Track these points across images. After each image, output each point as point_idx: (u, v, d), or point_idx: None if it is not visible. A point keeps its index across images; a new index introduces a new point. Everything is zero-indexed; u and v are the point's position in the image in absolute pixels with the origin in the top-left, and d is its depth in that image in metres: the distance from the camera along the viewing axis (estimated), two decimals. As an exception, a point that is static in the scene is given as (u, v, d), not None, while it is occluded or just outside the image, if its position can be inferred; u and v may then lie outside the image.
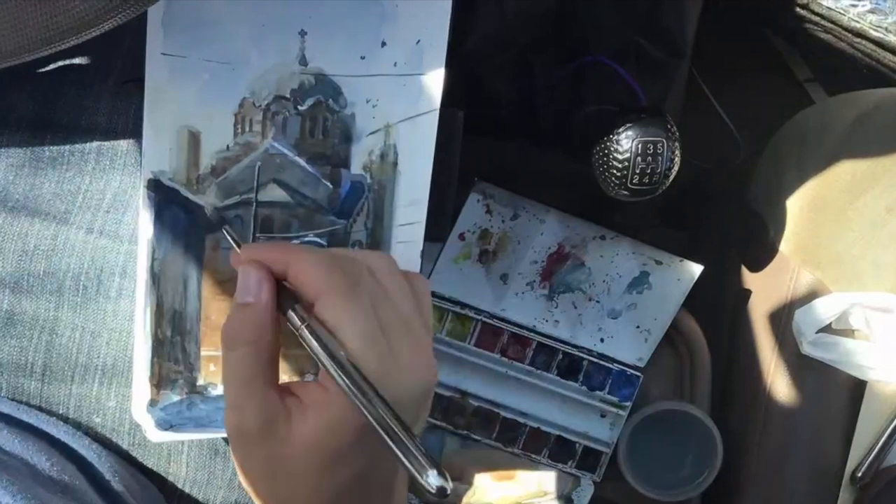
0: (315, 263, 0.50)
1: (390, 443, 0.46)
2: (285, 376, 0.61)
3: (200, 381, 0.61)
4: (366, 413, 0.46)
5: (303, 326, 0.49)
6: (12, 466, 0.56)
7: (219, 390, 0.61)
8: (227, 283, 0.60)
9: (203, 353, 0.60)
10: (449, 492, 0.45)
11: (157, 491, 0.63)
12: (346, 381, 0.47)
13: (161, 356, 0.60)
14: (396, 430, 0.46)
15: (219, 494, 0.64)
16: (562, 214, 0.87)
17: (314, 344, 0.48)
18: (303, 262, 0.50)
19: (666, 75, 0.88)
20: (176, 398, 0.61)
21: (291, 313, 0.50)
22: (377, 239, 0.61)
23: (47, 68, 0.59)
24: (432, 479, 0.45)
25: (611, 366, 0.90)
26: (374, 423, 0.46)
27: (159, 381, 0.60)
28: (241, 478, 0.51)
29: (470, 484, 0.92)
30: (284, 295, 0.51)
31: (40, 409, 0.61)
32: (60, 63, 0.59)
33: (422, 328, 0.52)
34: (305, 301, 0.50)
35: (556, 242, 0.88)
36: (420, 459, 0.45)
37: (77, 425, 0.62)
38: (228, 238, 0.55)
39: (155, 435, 0.60)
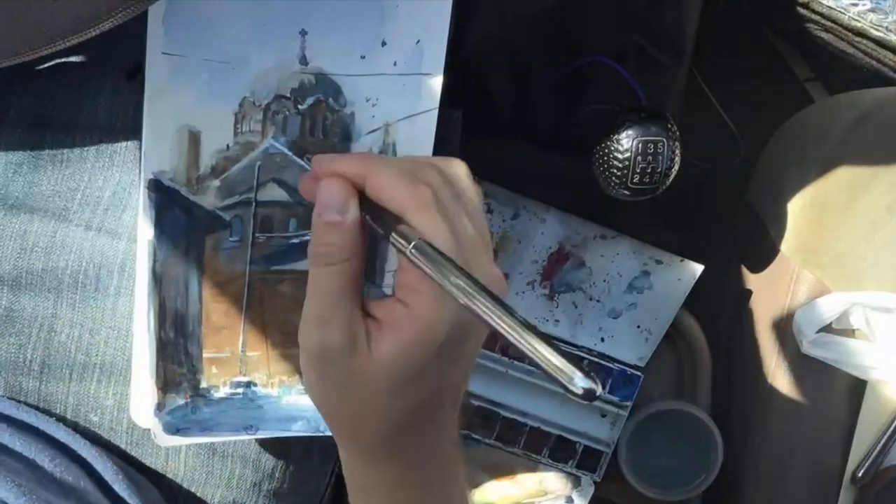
0: (398, 176, 0.47)
1: (531, 353, 0.41)
2: (284, 377, 0.61)
3: (203, 384, 0.61)
4: (506, 331, 0.42)
5: (410, 247, 0.45)
6: (16, 468, 0.56)
7: (221, 393, 0.61)
8: (227, 285, 0.60)
9: (205, 354, 0.60)
10: (598, 393, 0.40)
11: (156, 491, 0.63)
12: (477, 303, 0.42)
13: (165, 358, 0.60)
14: (537, 339, 0.41)
15: (217, 493, 0.64)
16: (562, 214, 0.87)
17: (423, 264, 0.44)
18: (384, 174, 0.48)
19: (666, 75, 0.88)
20: (181, 401, 0.60)
21: (394, 234, 0.46)
22: (375, 239, 0.61)
23: (45, 66, 0.59)
24: (579, 382, 0.40)
25: (611, 365, 0.90)
26: (513, 336, 0.42)
27: (165, 383, 0.60)
28: (310, 394, 0.50)
29: (470, 484, 0.92)
30: (369, 207, 0.48)
31: (38, 408, 0.61)
32: (59, 61, 0.59)
33: (489, 239, 0.50)
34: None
35: (557, 242, 0.88)
36: (559, 364, 0.41)
37: (75, 424, 0.62)
38: (299, 161, 0.52)
39: (164, 440, 0.60)
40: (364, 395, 0.48)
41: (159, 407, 0.60)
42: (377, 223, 0.48)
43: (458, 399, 0.52)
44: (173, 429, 0.60)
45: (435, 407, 0.50)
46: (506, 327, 0.42)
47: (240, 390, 0.61)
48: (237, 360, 0.61)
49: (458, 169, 0.51)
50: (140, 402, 0.60)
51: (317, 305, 0.48)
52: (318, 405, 0.51)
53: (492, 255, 0.50)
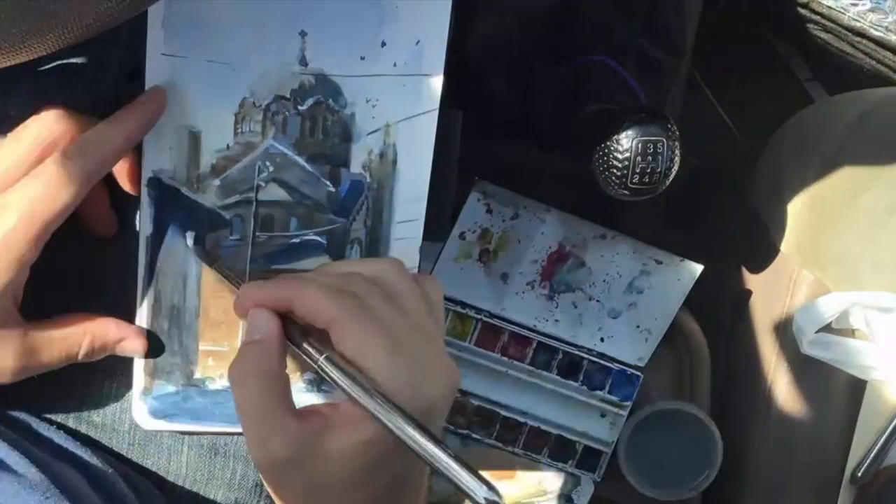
0: (319, 292, 0.49)
1: (436, 465, 0.45)
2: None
3: (198, 375, 0.61)
4: (407, 440, 0.45)
5: (321, 359, 0.48)
6: (6, 477, 0.56)
7: (217, 385, 0.61)
8: (226, 281, 0.60)
9: (201, 347, 0.61)
10: (501, 503, 0.44)
11: (158, 493, 0.63)
12: (379, 411, 0.46)
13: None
14: (439, 451, 0.45)
15: (219, 493, 0.64)
16: (562, 214, 0.87)
17: (335, 375, 0.47)
18: (307, 294, 0.49)
19: (666, 75, 0.88)
20: (171, 389, 0.61)
21: (307, 347, 0.49)
22: (376, 237, 0.61)
23: (45, 67, 0.59)
24: (484, 495, 0.44)
25: (611, 365, 0.90)
26: (417, 449, 0.45)
27: (153, 370, 0.60)
28: (274, 499, 0.51)
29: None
30: (294, 330, 0.50)
31: (38, 410, 0.61)
32: (59, 62, 0.59)
33: (437, 330, 0.52)
34: (317, 331, 0.50)
35: (557, 242, 0.88)
36: (468, 477, 0.44)
37: (77, 425, 0.62)
38: (226, 281, 0.56)
39: (147, 422, 0.61)
40: (328, 492, 0.49)
41: (145, 392, 0.60)
42: (296, 341, 0.50)
43: (422, 481, 0.53)
44: (160, 414, 0.61)
45: (400, 494, 0.51)
46: (416, 445, 0.45)
47: None
48: (235, 354, 0.61)
49: (386, 269, 0.52)
50: (134, 389, 0.61)
51: (250, 427, 0.48)
52: None
53: (442, 344, 0.52)
